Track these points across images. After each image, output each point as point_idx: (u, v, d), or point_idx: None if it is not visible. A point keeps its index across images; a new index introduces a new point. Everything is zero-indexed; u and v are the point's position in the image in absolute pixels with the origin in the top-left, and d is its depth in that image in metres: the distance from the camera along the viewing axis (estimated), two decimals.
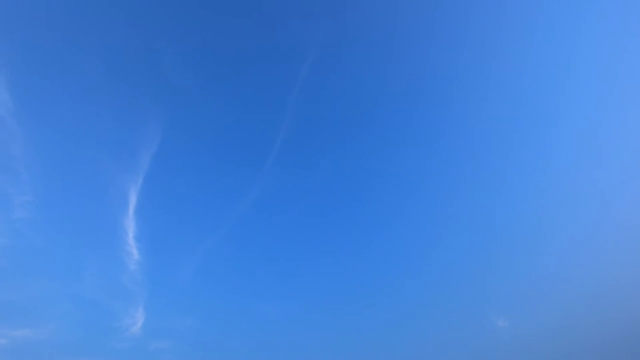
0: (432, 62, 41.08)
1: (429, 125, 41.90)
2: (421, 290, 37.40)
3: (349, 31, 40.01)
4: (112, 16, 34.61)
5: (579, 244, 38.00)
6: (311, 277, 37.99)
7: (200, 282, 35.82)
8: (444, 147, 41.60)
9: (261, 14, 38.19)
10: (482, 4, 39.71)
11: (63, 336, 30.56)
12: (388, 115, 41.82)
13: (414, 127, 41.92)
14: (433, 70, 41.34)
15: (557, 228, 38.95)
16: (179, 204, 37.48)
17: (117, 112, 35.84)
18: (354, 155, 41.83)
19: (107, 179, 35.83)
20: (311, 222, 40.93)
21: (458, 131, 41.69)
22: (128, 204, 35.23)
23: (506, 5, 39.53)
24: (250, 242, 38.55)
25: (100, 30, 34.51)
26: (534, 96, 41.15)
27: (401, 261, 38.75)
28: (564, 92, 40.62)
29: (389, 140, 41.72)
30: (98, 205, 35.84)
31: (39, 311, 31.63)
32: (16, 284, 32.53)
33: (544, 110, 41.14)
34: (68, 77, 35.29)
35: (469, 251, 38.74)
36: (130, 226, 35.18)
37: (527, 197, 40.15)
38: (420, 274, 38.17)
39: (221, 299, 35.77)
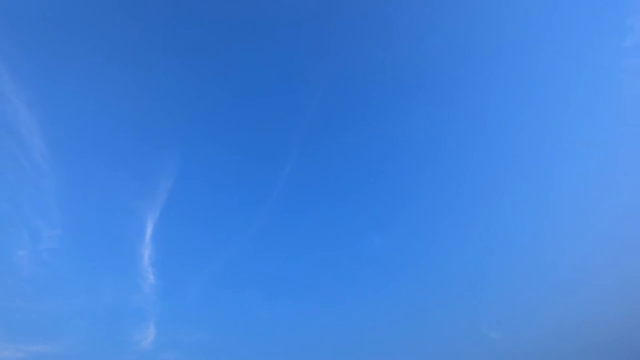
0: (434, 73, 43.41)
1: (426, 144, 44.40)
2: (415, 302, 39.43)
3: (357, 62, 42.83)
4: (132, 57, 39.11)
5: (571, 256, 39.93)
6: (316, 293, 40.35)
7: (208, 299, 38.49)
8: (439, 161, 44.08)
9: (272, 48, 41.85)
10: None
11: (76, 350, 32.80)
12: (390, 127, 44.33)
13: (411, 145, 44.39)
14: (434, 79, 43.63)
15: (550, 240, 40.94)
16: (191, 229, 40.63)
17: (138, 147, 40.09)
18: (357, 169, 44.45)
19: (128, 211, 39.30)
20: (311, 250, 43.30)
21: (453, 148, 43.95)
22: (145, 232, 38.65)
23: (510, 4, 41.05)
24: (256, 261, 41.22)
25: (121, 70, 38.84)
26: (542, 97, 42.15)
27: (396, 273, 40.97)
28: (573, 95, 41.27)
29: (390, 152, 44.35)
30: (118, 235, 39.09)
31: (55, 329, 33.91)
32: (36, 305, 35.00)
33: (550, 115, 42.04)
34: (93, 117, 39.74)
35: (463, 263, 40.88)
36: (146, 252, 38.39)
37: (521, 211, 42.11)
38: (414, 286, 40.31)
39: (227, 314, 38.32)
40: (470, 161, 43.33)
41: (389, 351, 36.40)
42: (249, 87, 42.00)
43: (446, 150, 43.84)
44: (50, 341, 32.32)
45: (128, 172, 40.07)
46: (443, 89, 43.29)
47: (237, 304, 38.78)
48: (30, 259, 35.76)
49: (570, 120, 41.91)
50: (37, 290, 34.98)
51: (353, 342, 37.11)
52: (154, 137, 39.83)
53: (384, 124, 43.62)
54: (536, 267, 39.83)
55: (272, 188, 41.74)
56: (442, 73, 43.09)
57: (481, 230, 42.11)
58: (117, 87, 38.66)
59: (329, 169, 43.65)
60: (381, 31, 41.86)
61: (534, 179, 42.48)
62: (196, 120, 41.14)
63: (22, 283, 35.05)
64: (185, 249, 39.44)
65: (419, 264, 41.41)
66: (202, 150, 41.21)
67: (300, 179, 42.62)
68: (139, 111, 39.54)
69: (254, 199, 41.60)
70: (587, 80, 41.43)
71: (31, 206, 36.92)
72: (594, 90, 41.22)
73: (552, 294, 38.20)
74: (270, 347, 36.54)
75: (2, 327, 32.29)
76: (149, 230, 38.55)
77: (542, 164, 42.37)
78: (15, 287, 34.86)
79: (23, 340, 31.82)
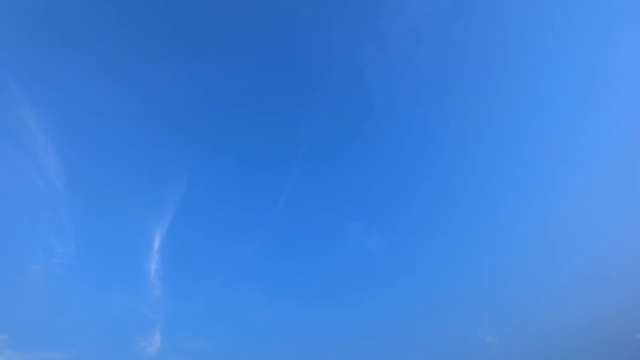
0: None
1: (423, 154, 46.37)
2: (413, 306, 40.71)
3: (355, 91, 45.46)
4: (141, 82, 42.04)
5: (567, 262, 40.90)
6: (316, 300, 41.82)
7: (211, 308, 40.33)
8: (437, 170, 45.59)
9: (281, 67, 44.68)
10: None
11: (83, 357, 34.39)
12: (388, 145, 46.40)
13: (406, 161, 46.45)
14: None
15: (547, 247, 41.86)
16: (197, 242, 42.86)
17: (147, 166, 42.65)
18: (358, 177, 46.24)
19: (137, 226, 41.65)
20: (312, 258, 44.65)
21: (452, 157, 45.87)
22: (153, 246, 40.83)
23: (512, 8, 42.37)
24: (259, 270, 43.21)
25: (131, 93, 41.74)
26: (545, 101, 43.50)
27: (394, 278, 42.31)
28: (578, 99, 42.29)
29: (387, 161, 46.11)
30: (127, 250, 41.33)
31: (65, 337, 35.46)
32: (47, 315, 36.71)
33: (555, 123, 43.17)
34: (105, 139, 42.27)
35: (460, 269, 42.14)
36: (153, 265, 40.42)
37: (518, 218, 43.43)
38: (412, 291, 41.70)
39: (230, 322, 39.86)
40: (467, 169, 45.03)
41: (387, 354, 37.15)
42: (255, 103, 44.82)
43: (445, 158, 45.42)
44: (59, 349, 34.01)
45: (137, 190, 42.58)
46: (443, 92, 45.28)
47: (239, 312, 40.46)
48: (44, 272, 37.88)
49: (570, 125, 43.31)
50: (49, 302, 36.92)
51: (352, 347, 38.05)
52: (162, 156, 42.66)
53: (385, 129, 45.55)
54: (532, 272, 41.05)
55: (277, 198, 44.02)
56: (441, 78, 45.18)
57: (478, 237, 43.63)
58: (127, 109, 41.77)
59: (332, 178, 45.79)
60: (380, 37, 43.96)
61: (532, 188, 43.92)
62: (202, 138, 43.90)
63: (36, 295, 36.96)
64: (191, 261, 41.66)
65: (417, 269, 43.01)
66: (208, 167, 43.92)
67: (305, 186, 44.82)
68: (148, 132, 42.54)
69: (259, 212, 43.93)
70: (589, 83, 42.72)
71: (46, 224, 39.34)
72: (595, 92, 42.61)
73: (548, 299, 39.19)
74: (272, 354, 37.60)
75: (14, 335, 33.98)
76: (156, 244, 40.70)
77: (541, 172, 43.80)
78: (29, 298, 36.69)
79: (34, 348, 33.53)
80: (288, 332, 39.38)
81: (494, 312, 39.07)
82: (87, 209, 40.92)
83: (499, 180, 44.62)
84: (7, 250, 36.43)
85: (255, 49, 43.61)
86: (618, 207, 40.52)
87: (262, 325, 39.68)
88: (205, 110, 43.97)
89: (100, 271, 39.37)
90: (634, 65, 41.46)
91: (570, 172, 43.16)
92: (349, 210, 45.09)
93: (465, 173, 45.06)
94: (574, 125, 43.90)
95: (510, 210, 43.74)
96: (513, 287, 40.30)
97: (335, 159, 45.99)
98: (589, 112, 43.30)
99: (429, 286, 41.80)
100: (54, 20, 39.01)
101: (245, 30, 43.08)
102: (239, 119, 44.78)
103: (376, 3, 43.44)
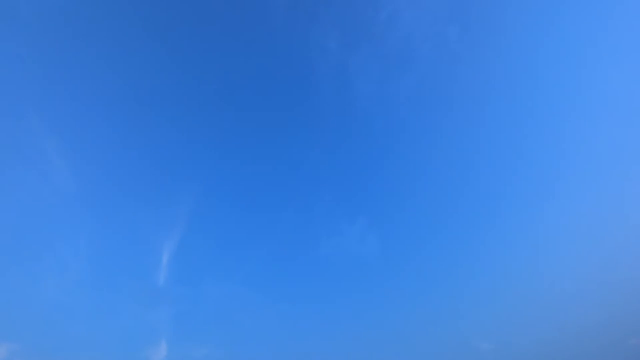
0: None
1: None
2: (408, 313, 41.64)
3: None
4: (151, 102, 44.78)
5: (561, 268, 41.51)
6: (317, 307, 42.98)
7: (216, 318, 41.80)
8: (434, 175, 46.73)
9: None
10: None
11: None
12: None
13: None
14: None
15: (542, 253, 42.50)
16: (204, 254, 44.66)
17: (158, 185, 44.85)
18: (360, 182, 47.72)
19: (148, 242, 43.50)
20: (313, 273, 45.98)
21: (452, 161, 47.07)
22: (161, 259, 42.79)
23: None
24: (264, 283, 44.49)
25: (143, 111, 44.42)
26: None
27: (390, 284, 43.45)
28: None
29: (382, 166, 47.51)
30: (137, 264, 42.99)
31: (74, 346, 37.13)
32: (58, 326, 38.72)
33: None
34: (117, 157, 44.73)
35: (455, 275, 43.07)
36: (161, 278, 42.38)
37: (513, 224, 44.10)
38: (407, 298, 42.64)
39: (235, 330, 41.22)
40: (463, 175, 46.11)
41: None
42: (252, 109, 46.66)
43: (441, 164, 46.46)
44: (68, 357, 35.98)
45: (150, 207, 44.64)
46: (439, 97, 46.45)
47: (244, 319, 41.86)
48: (58, 287, 40.11)
49: (567, 129, 43.88)
50: (60, 314, 38.78)
51: (349, 352, 39.10)
52: (173, 172, 44.83)
53: (381, 134, 46.97)
54: (529, 278, 41.76)
55: (285, 204, 45.89)
56: (436, 83, 46.30)
57: (474, 243, 44.46)
58: (139, 127, 44.17)
59: (331, 181, 47.15)
60: (375, 42, 45.69)
61: (529, 194, 44.41)
62: (205, 148, 45.91)
63: (48, 307, 38.83)
64: (198, 270, 43.46)
65: (412, 275, 44.07)
66: (216, 184, 45.78)
67: (307, 190, 46.38)
68: (158, 149, 44.76)
69: (265, 219, 45.64)
70: (587, 87, 43.38)
71: (61, 241, 41.47)
72: (593, 95, 43.17)
73: (544, 305, 39.67)
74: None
75: (26, 345, 35.88)
76: (165, 258, 42.78)
77: (539, 178, 44.33)
78: (42, 311, 38.57)
79: (43, 357, 35.33)
80: (291, 338, 40.72)
81: (490, 319, 39.80)
82: (99, 225, 43.02)
83: (496, 185, 45.49)
84: (25, 267, 39.13)
85: (249, 55, 45.61)
86: (615, 213, 41.03)
87: (266, 333, 41.12)
88: (206, 119, 45.96)
89: (110, 285, 41.21)
90: (633, 70, 42.20)
91: (569, 178, 43.62)
92: (347, 214, 46.48)
93: (461, 179, 46.15)
94: (571, 130, 44.56)
95: (507, 217, 44.53)
96: (509, 293, 41.10)
97: (333, 164, 47.42)
98: (586, 116, 44.16)
99: (424, 292, 42.90)
100: (65, 46, 41.82)
101: (240, 37, 45.20)
102: (238, 126, 46.71)
103: (371, 9, 45.31)
